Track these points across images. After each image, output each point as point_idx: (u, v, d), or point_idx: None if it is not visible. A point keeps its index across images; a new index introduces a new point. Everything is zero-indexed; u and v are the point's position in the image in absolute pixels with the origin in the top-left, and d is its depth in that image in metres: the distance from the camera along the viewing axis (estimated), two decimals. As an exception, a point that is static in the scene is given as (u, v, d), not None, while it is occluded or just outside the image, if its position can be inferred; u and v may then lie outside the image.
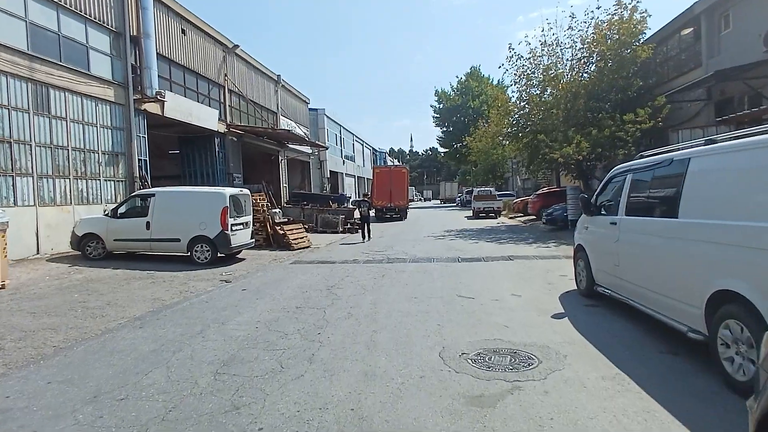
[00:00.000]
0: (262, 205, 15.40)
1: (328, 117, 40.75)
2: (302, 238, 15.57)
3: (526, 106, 21.11)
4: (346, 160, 47.45)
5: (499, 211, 31.00)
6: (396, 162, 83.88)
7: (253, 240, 13.33)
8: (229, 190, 12.08)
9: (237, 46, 23.23)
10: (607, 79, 18.08)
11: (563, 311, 6.48)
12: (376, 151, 68.29)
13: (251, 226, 13.18)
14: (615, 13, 18.64)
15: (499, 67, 22.46)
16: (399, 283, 8.92)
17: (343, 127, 47.37)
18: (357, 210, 18.28)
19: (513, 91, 21.59)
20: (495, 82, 53.35)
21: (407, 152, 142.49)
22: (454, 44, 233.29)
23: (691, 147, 5.02)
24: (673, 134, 17.75)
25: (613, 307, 6.36)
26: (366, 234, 16.98)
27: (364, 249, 14.59)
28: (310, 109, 37.22)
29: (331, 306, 7.14)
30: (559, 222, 18.51)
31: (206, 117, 19.82)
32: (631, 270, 5.55)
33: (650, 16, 18.36)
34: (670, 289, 4.69)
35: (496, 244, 15.22)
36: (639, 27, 18.13)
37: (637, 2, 18.30)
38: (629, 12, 18.30)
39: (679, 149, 5.29)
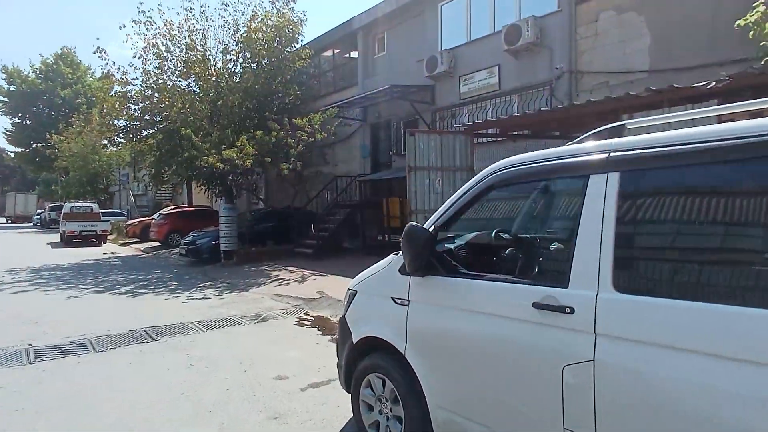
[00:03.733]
0: None
1: None
2: None
3: (156, 94, 15.23)
4: None
5: (105, 236, 23.04)
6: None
7: None
8: None
9: None
10: (263, 80, 14.90)
11: None
12: None
13: None
14: (269, 11, 15.73)
15: (121, 28, 15.66)
16: None
17: None
18: None
19: (137, 69, 15.17)
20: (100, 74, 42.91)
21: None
22: (38, 25, 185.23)
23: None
24: (330, 151, 16.90)
25: None
26: None
27: None
28: None
29: None
30: (204, 254, 13.72)
31: None
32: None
33: (306, 20, 16.39)
34: None
35: (115, 296, 8.99)
36: (296, 28, 15.80)
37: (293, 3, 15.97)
38: (279, 9, 15.64)
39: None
